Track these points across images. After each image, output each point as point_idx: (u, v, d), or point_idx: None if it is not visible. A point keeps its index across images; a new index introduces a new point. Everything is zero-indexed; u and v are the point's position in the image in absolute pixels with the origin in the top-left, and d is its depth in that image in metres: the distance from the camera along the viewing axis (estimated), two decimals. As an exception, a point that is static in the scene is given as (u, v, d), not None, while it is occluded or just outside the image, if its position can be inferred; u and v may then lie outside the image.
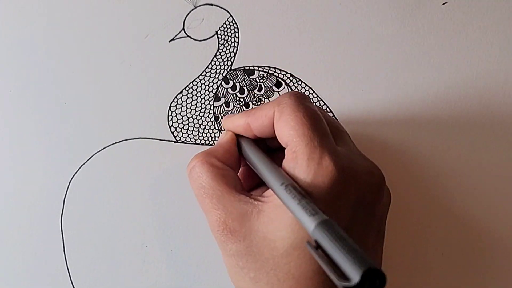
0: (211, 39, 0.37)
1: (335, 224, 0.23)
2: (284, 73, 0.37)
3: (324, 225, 0.23)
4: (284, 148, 0.29)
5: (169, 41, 0.37)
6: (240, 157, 0.33)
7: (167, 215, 0.37)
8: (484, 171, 0.38)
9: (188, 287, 0.37)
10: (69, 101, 0.37)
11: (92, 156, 0.37)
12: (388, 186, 0.32)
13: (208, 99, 0.37)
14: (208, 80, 0.37)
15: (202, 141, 0.37)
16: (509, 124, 0.38)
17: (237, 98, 0.37)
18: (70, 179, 0.37)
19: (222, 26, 0.37)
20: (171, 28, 0.37)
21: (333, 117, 0.37)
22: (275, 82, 0.38)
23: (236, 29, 0.37)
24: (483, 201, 0.38)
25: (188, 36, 0.37)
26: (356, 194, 0.28)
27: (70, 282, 0.36)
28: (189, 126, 0.37)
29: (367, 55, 0.38)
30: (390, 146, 0.38)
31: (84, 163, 0.37)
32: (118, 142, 0.37)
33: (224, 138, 0.34)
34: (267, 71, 0.37)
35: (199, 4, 0.37)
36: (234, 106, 0.37)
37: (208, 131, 0.37)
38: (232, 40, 0.37)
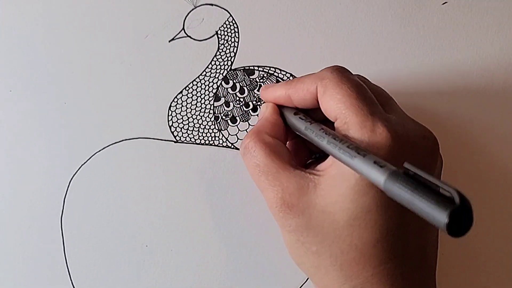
0: (211, 39, 0.37)
1: (411, 166, 0.23)
2: (284, 73, 0.37)
3: (397, 172, 0.23)
4: (327, 121, 0.29)
5: (169, 41, 0.37)
6: (286, 128, 0.33)
7: (167, 215, 0.37)
8: (483, 171, 0.38)
9: (188, 287, 0.37)
10: (69, 101, 0.37)
11: (92, 156, 0.37)
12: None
13: (208, 99, 0.37)
14: (208, 80, 0.37)
15: (202, 141, 0.37)
16: (509, 124, 0.38)
17: (237, 98, 0.37)
18: (70, 179, 0.37)
19: (222, 26, 0.37)
20: (171, 28, 0.37)
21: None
22: (275, 82, 0.38)
23: (236, 29, 0.37)
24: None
25: (188, 36, 0.37)
26: (412, 159, 0.27)
27: (70, 282, 0.36)
28: (189, 126, 0.37)
29: (367, 55, 0.38)
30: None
31: (84, 163, 0.37)
32: (118, 142, 0.37)
33: (267, 111, 0.33)
34: (267, 71, 0.37)
35: (199, 4, 0.37)
36: (234, 106, 0.37)
37: (208, 131, 0.37)
38: (232, 40, 0.37)
